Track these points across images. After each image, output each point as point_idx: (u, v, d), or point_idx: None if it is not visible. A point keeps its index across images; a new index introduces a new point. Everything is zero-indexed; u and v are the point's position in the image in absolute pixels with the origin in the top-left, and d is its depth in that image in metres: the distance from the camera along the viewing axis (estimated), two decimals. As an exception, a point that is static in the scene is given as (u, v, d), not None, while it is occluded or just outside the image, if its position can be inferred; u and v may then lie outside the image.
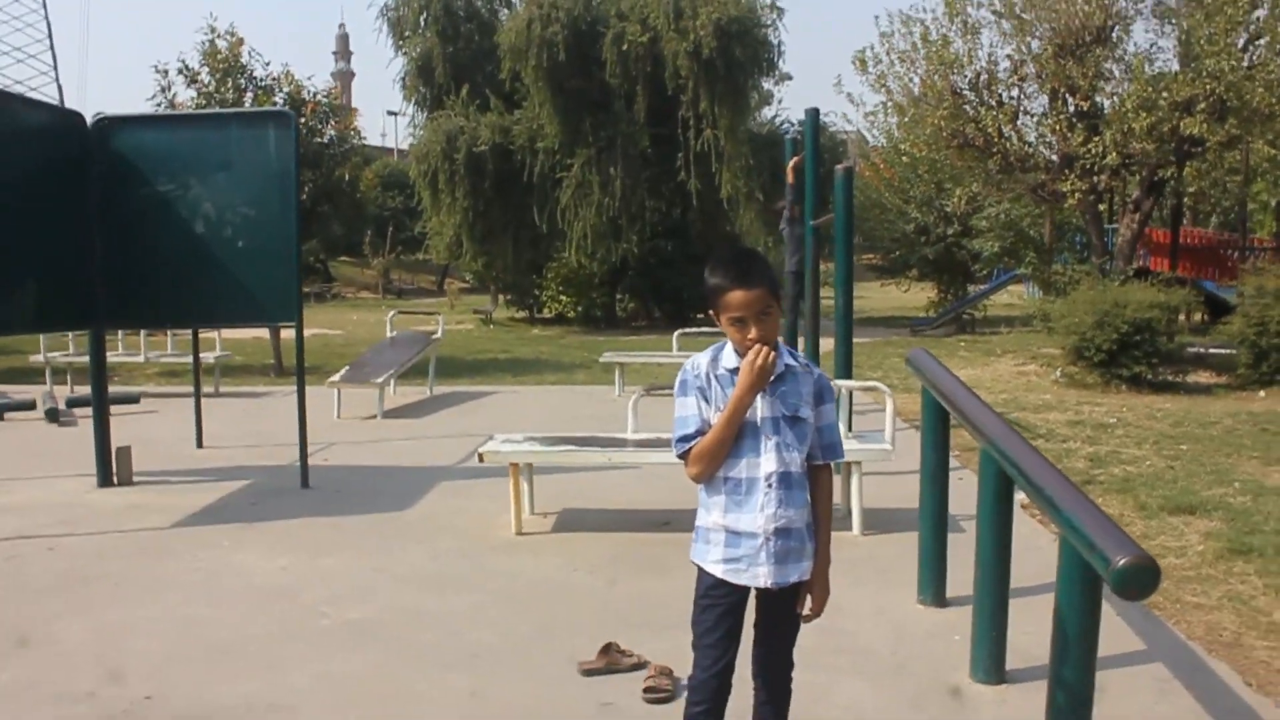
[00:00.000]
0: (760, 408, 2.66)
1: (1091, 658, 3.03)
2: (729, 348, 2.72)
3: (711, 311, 2.72)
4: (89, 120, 7.40)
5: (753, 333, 2.60)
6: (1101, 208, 17.45)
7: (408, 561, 5.77)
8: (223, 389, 13.02)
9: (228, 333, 15.01)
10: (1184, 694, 3.95)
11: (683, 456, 2.71)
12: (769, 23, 22.62)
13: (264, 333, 16.42)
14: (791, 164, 9.70)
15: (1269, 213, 25.99)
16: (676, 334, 13.96)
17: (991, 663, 3.91)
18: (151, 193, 7.33)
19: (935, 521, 4.75)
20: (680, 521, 6.51)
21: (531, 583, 5.39)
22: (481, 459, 6.34)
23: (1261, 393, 12.39)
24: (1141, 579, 2.67)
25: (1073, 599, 3.01)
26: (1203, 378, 13.53)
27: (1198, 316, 19.21)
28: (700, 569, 2.76)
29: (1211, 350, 14.42)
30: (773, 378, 2.66)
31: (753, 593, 2.76)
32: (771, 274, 2.65)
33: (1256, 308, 12.76)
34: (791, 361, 2.72)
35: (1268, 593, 5.17)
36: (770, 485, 2.64)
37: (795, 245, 10.11)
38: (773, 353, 2.59)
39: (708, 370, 2.70)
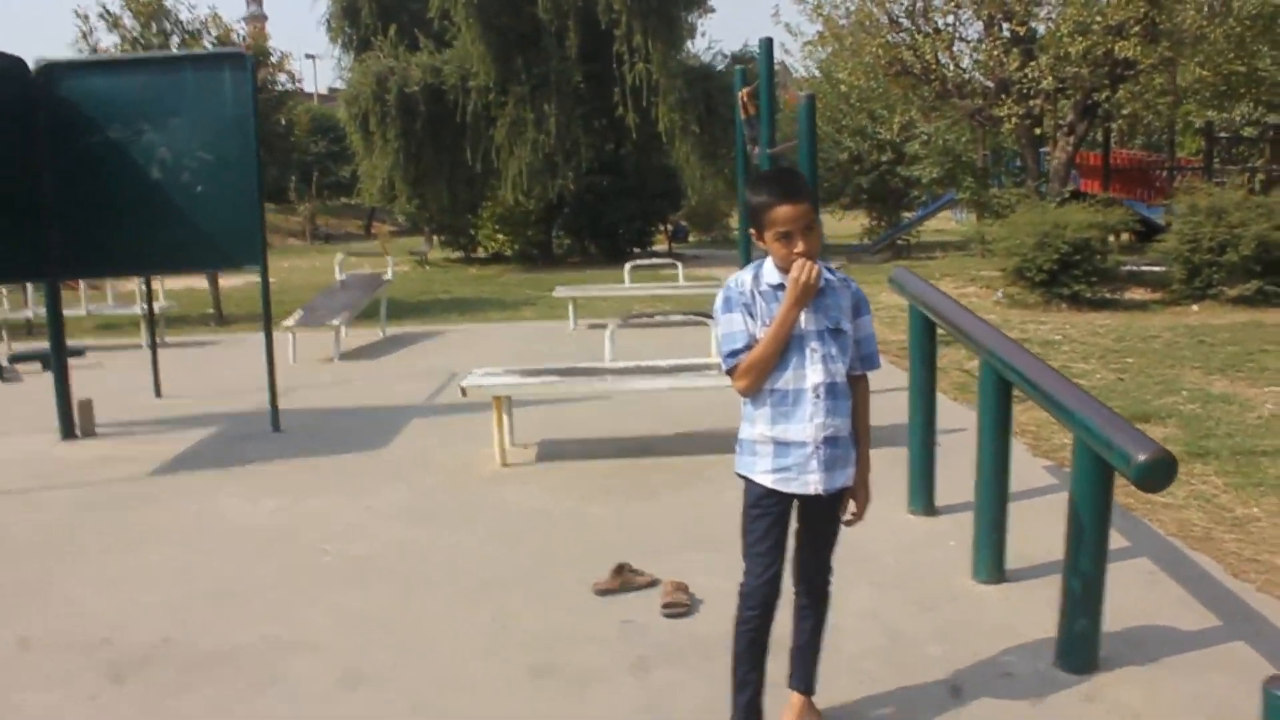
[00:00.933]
0: (805, 321, 2.73)
1: (1103, 548, 3.21)
2: (769, 264, 2.78)
3: (753, 230, 2.78)
4: (32, 66, 7.16)
5: (799, 246, 2.67)
6: (1037, 131, 17.71)
7: (396, 499, 5.79)
8: (168, 339, 12.77)
9: (167, 283, 14.68)
10: (1171, 584, 4.17)
11: (730, 371, 2.78)
12: (699, -46, 22.45)
13: (200, 282, 16.11)
14: (745, 92, 9.71)
15: (1191, 133, 26.57)
16: (628, 265, 13.97)
17: (993, 564, 4.09)
18: (104, 139, 7.13)
19: (924, 435, 4.90)
20: (659, 448, 6.62)
21: (525, 513, 5.46)
22: (464, 393, 6.35)
23: (1195, 307, 12.81)
24: (1162, 470, 2.83)
25: (1087, 494, 3.17)
26: (1138, 294, 13.93)
27: (1126, 236, 19.67)
28: (748, 480, 2.85)
29: (1145, 268, 14.84)
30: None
31: (794, 502, 2.86)
32: (812, 191, 2.72)
33: (1189, 225, 13.13)
34: (830, 276, 2.79)
35: (1228, 491, 5.44)
36: (818, 396, 2.73)
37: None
38: (817, 267, 2.66)
39: (751, 287, 2.77)
